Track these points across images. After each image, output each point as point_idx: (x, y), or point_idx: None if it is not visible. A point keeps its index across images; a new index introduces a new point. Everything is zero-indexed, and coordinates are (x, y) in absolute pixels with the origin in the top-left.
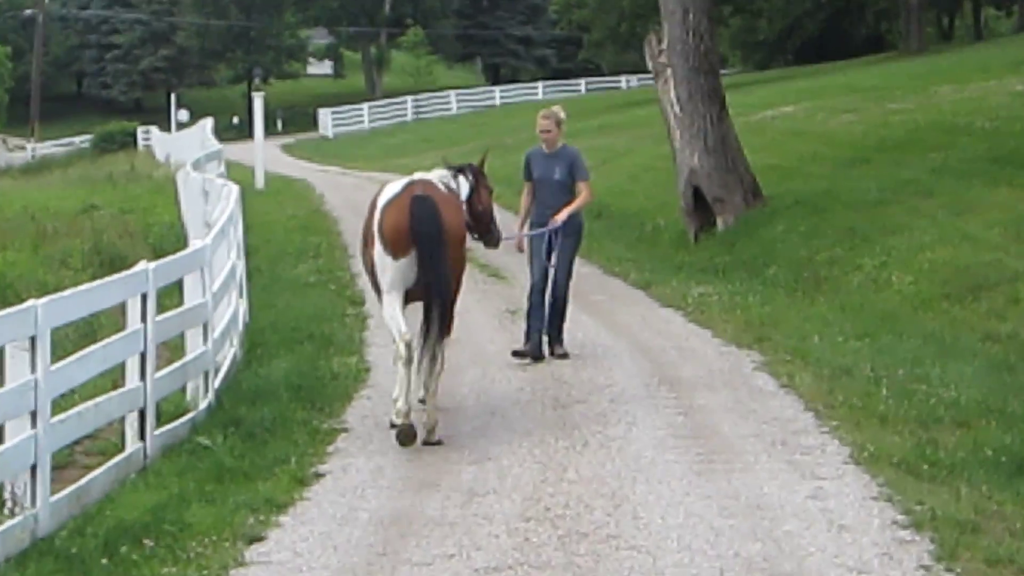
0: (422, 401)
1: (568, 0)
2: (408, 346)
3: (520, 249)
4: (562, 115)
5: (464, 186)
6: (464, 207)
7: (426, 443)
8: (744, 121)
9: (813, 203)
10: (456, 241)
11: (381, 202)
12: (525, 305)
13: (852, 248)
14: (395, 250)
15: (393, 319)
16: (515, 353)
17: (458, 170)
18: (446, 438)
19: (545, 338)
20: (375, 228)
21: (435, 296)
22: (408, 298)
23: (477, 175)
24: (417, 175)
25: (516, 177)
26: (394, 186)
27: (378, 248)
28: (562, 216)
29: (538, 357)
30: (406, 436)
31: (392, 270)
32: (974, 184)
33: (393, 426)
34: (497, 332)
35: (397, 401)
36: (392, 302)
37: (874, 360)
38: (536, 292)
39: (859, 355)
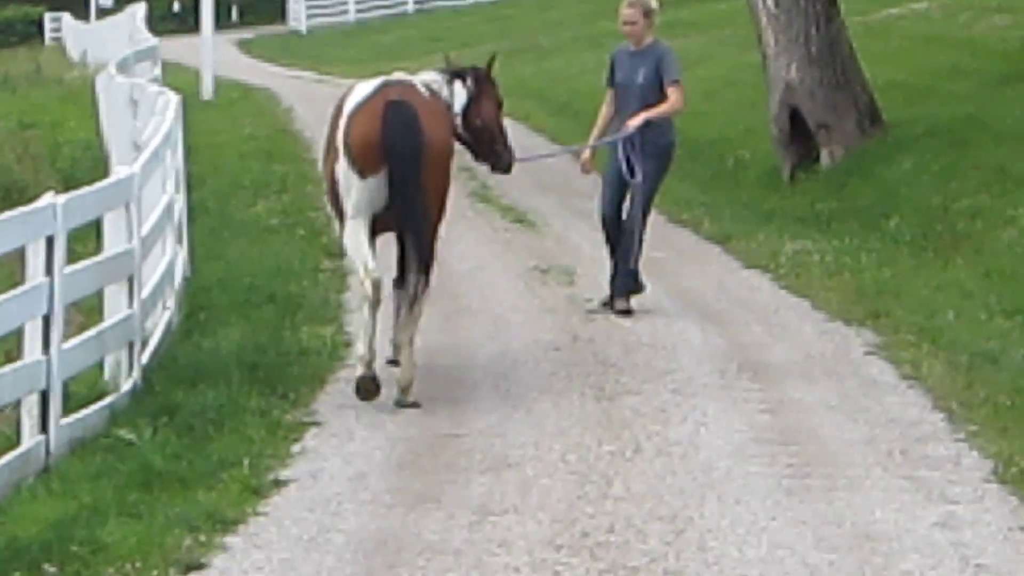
0: (393, 362)
1: None
2: (375, 285)
3: (585, 170)
4: (652, 2)
5: (460, 94)
6: (458, 119)
7: (399, 404)
8: (861, 22)
9: (951, 133)
10: (439, 159)
11: (348, 106)
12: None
13: (1003, 194)
14: (363, 166)
15: (357, 250)
16: (603, 304)
17: (454, 74)
18: (453, 437)
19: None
20: (340, 138)
21: (408, 225)
22: (376, 227)
23: (480, 81)
24: (396, 75)
25: (552, 91)
26: (365, 87)
27: (342, 162)
28: (636, 121)
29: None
30: (366, 389)
31: (358, 190)
32: None
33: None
34: (522, 297)
35: (358, 347)
36: (357, 229)
37: None
38: (605, 226)
39: (1008, 338)
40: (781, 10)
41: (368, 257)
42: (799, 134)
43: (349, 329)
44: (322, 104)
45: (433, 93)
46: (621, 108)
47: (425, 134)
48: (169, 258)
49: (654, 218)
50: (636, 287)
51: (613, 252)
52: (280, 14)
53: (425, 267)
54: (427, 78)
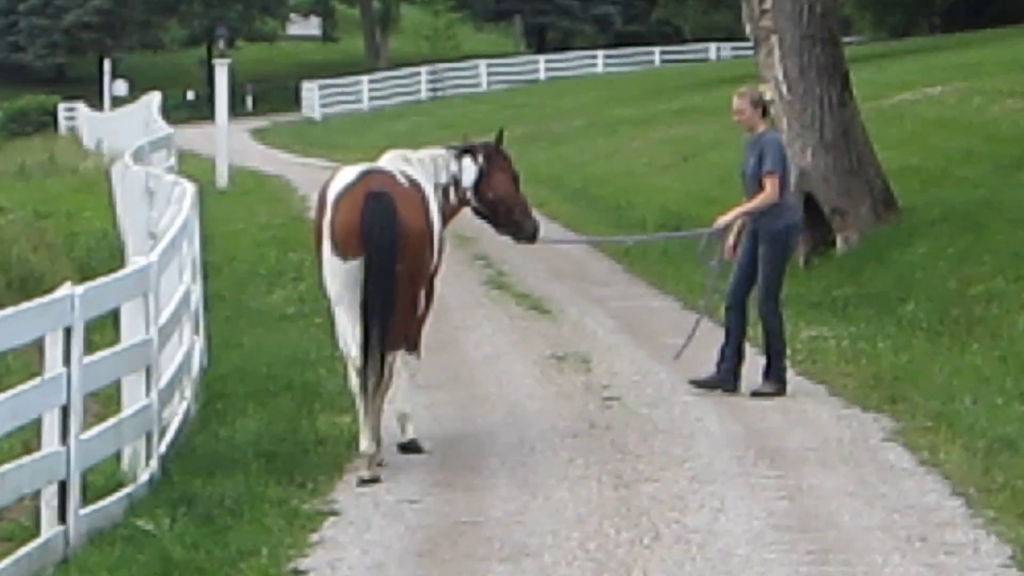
0: (403, 447)
1: None
2: (362, 374)
3: (728, 255)
4: (766, 95)
5: (470, 169)
6: (470, 194)
7: (404, 449)
8: (874, 107)
9: (966, 218)
10: (415, 247)
11: (331, 193)
12: None
13: (1018, 279)
14: (344, 251)
15: (343, 337)
16: (696, 383)
17: (464, 151)
18: (471, 525)
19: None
20: (325, 223)
21: (375, 312)
22: None
23: (491, 156)
24: (385, 157)
25: (566, 178)
26: (347, 174)
27: (326, 247)
28: (725, 218)
29: (729, 388)
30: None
31: (343, 274)
32: None
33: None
34: (539, 384)
35: (361, 442)
36: (341, 317)
37: None
38: (726, 309)
39: None
40: (795, 96)
41: (352, 347)
42: (814, 220)
43: None
44: None
45: (412, 181)
46: (744, 196)
47: (401, 224)
48: (186, 348)
49: (668, 304)
50: (780, 383)
51: (727, 336)
52: (294, 102)
53: (412, 344)
54: (433, 154)
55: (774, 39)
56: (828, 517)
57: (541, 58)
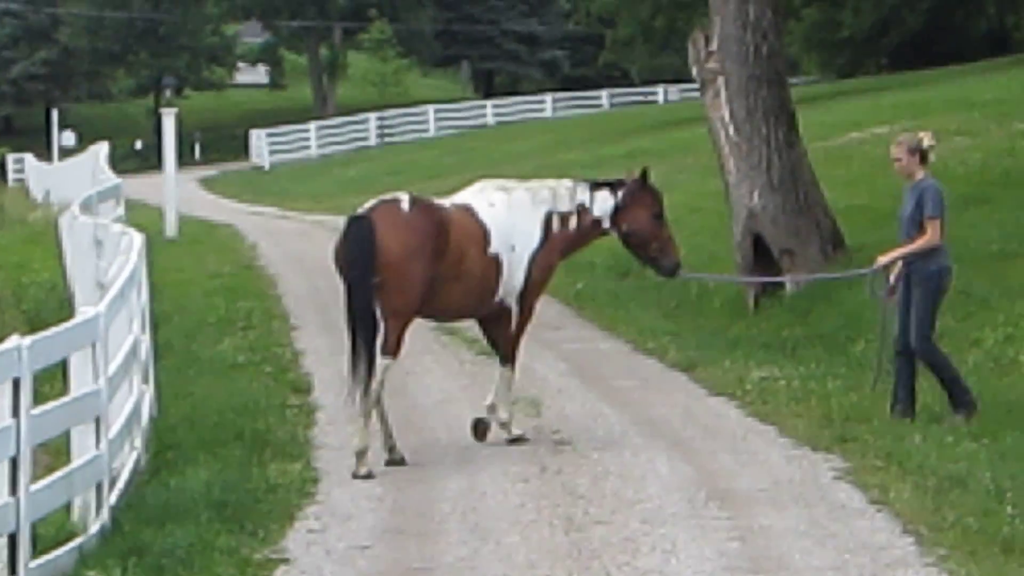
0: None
1: None
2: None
3: (890, 295)
4: (924, 142)
5: (604, 200)
6: (606, 223)
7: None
8: (822, 147)
9: None
10: (393, 267)
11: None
12: None
13: (967, 317)
14: (337, 270)
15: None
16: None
17: (603, 184)
18: (423, 571)
19: None
20: None
21: (360, 324)
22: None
23: (633, 192)
24: (476, 185)
25: None
26: (373, 200)
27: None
28: (883, 259)
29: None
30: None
31: (343, 291)
32: None
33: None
34: (489, 429)
35: (354, 441)
36: (349, 337)
37: (995, 467)
38: (896, 354)
39: (976, 460)
40: (742, 137)
41: (346, 367)
42: (763, 261)
43: (317, 465)
44: (286, 240)
45: (462, 207)
46: (899, 239)
47: (378, 246)
48: (136, 398)
49: (619, 347)
50: (966, 407)
51: (898, 379)
52: (243, 150)
53: (506, 357)
54: (553, 183)
55: (721, 81)
56: (779, 558)
57: (489, 103)
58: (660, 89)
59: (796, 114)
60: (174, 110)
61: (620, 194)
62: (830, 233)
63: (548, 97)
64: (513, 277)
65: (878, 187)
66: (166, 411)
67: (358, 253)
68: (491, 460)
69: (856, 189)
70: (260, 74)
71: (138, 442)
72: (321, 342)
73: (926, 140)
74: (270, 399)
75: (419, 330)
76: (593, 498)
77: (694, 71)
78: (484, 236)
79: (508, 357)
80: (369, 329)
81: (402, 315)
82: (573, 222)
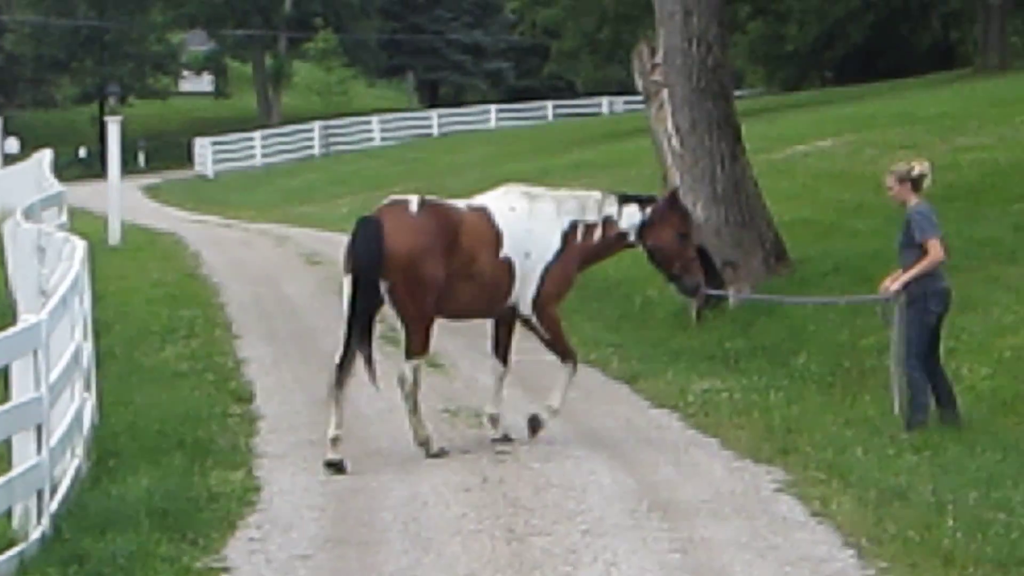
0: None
1: None
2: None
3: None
4: (915, 170)
5: (631, 215)
6: (632, 236)
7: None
8: (766, 160)
9: (857, 270)
10: (399, 267)
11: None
12: None
13: None
14: (344, 266)
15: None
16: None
17: (632, 198)
18: None
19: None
20: None
21: (357, 319)
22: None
23: (661, 210)
24: (501, 188)
25: None
26: (387, 199)
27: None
28: (893, 284)
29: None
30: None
31: (343, 284)
32: None
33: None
34: (432, 439)
35: (329, 429)
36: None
37: (937, 480)
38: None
39: (916, 473)
40: (686, 149)
41: (336, 357)
42: (707, 273)
43: (259, 474)
44: (229, 248)
45: (477, 209)
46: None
47: (388, 247)
48: (77, 405)
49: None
50: (917, 420)
51: (914, 387)
52: (187, 159)
53: (563, 355)
54: (583, 194)
55: (665, 93)
56: (720, 569)
57: (434, 113)
58: (605, 101)
59: (740, 127)
60: (118, 118)
61: (648, 210)
62: (773, 245)
63: (493, 108)
64: (526, 284)
65: (821, 200)
66: (108, 419)
67: (366, 254)
68: (433, 470)
69: (799, 202)
70: (205, 82)
71: (79, 450)
72: (263, 351)
73: (917, 168)
74: (212, 407)
75: None
76: (535, 509)
77: (639, 83)
78: (496, 239)
79: (564, 356)
80: (365, 329)
81: (420, 316)
82: (598, 233)
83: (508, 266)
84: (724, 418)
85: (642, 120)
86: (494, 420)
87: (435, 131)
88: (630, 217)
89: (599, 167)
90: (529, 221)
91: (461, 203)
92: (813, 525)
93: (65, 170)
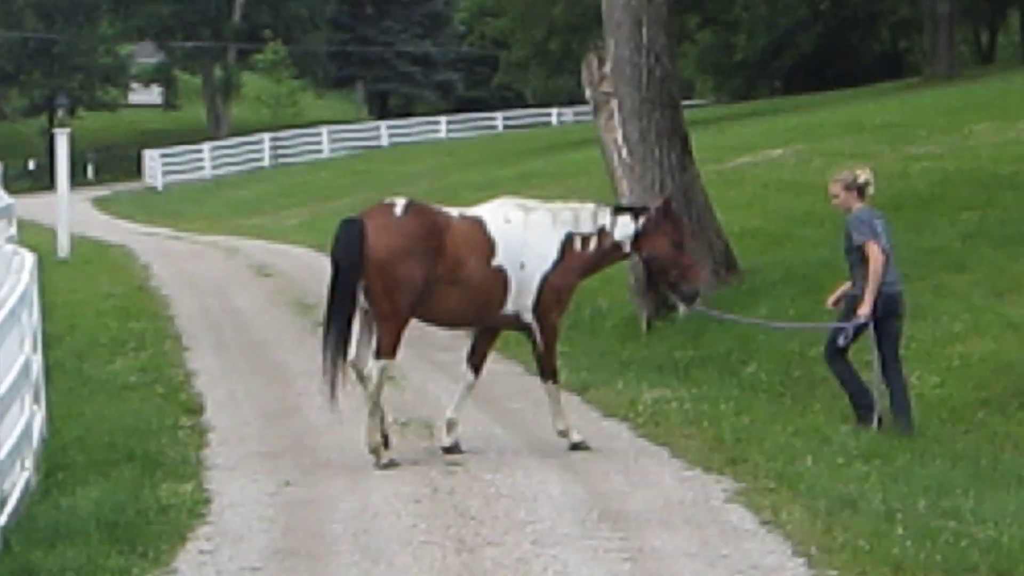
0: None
1: (480, 7)
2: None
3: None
4: (860, 178)
5: (625, 225)
6: (627, 247)
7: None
8: (715, 170)
9: (807, 279)
10: (379, 266)
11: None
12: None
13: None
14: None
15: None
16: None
17: (626, 209)
18: None
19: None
20: None
21: (332, 321)
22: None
23: (655, 220)
24: (496, 201)
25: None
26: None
27: None
28: (864, 311)
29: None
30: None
31: (328, 291)
32: (1020, 254)
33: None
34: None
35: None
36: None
37: (886, 488)
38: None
39: (866, 482)
40: (636, 160)
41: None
42: (656, 283)
43: (209, 486)
44: (179, 260)
45: (469, 218)
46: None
47: (368, 246)
48: (27, 418)
49: (511, 369)
50: (862, 415)
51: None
52: (136, 171)
53: (547, 373)
54: (577, 206)
55: (614, 103)
56: None
57: (383, 124)
58: (554, 111)
59: (689, 137)
60: (67, 130)
61: (642, 220)
62: (723, 255)
63: (442, 119)
64: (523, 294)
65: (770, 210)
66: (57, 432)
67: (346, 255)
68: (383, 481)
69: (749, 212)
70: (154, 94)
71: (29, 462)
72: (213, 363)
73: (862, 176)
74: (162, 420)
75: (312, 352)
76: (485, 519)
77: (588, 93)
78: (488, 248)
79: (546, 373)
80: (342, 330)
81: (393, 317)
82: (593, 244)
83: (502, 276)
84: (674, 428)
85: (591, 130)
86: (451, 425)
87: (385, 142)
88: (624, 227)
89: (549, 177)
90: (525, 232)
91: (454, 211)
92: (763, 534)
93: (14, 182)
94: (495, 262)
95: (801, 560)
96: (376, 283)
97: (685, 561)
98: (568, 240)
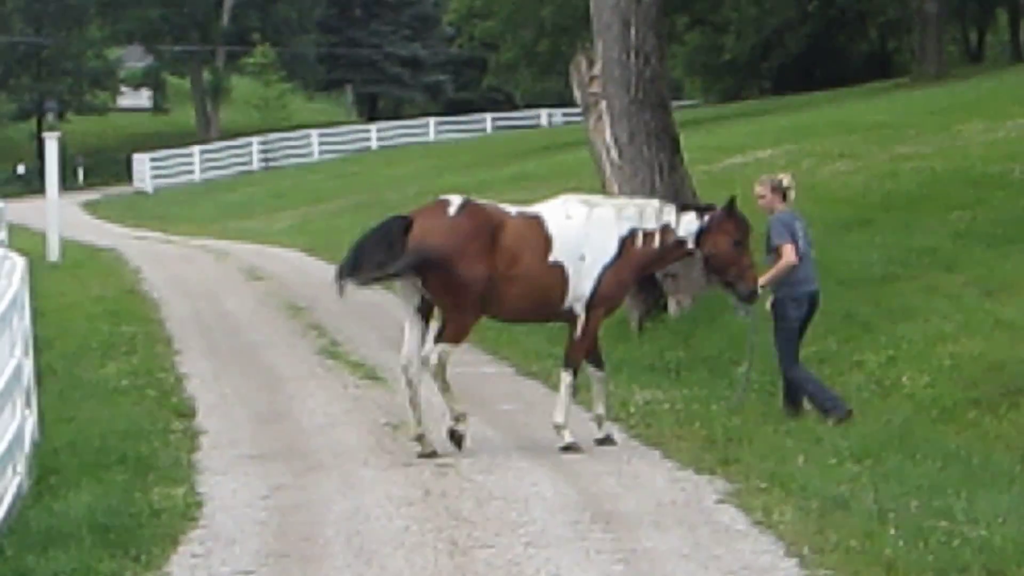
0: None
1: (469, 8)
2: (404, 370)
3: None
4: (784, 182)
5: (689, 223)
6: (691, 243)
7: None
8: (705, 170)
9: None
10: (435, 264)
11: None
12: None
13: (849, 339)
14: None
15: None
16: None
17: (691, 207)
18: None
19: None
20: None
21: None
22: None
23: (719, 218)
24: (561, 197)
25: None
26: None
27: None
28: (762, 280)
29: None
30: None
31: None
32: (1010, 253)
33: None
34: (373, 453)
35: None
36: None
37: (878, 489)
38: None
39: (858, 482)
40: (625, 161)
41: (403, 345)
42: (646, 284)
43: (201, 489)
44: (169, 264)
45: (528, 216)
46: None
47: (415, 242)
48: (18, 422)
49: (503, 370)
50: (829, 408)
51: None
52: (126, 175)
53: (439, 334)
54: (643, 202)
55: (603, 105)
56: None
57: (373, 127)
58: (543, 113)
59: (679, 138)
60: (57, 134)
61: (706, 218)
62: None
63: (431, 121)
64: (580, 285)
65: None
66: (49, 436)
67: (379, 237)
68: (375, 484)
69: None
70: (143, 98)
71: (21, 467)
72: (205, 366)
73: (785, 180)
74: (154, 423)
75: (302, 354)
76: (477, 521)
77: (577, 95)
78: (545, 244)
79: (568, 362)
80: (416, 321)
81: (458, 310)
82: (656, 240)
83: (559, 271)
84: (666, 428)
85: (581, 132)
86: (599, 420)
87: (374, 144)
88: (688, 224)
89: (538, 179)
90: (586, 226)
91: (512, 208)
92: (755, 535)
93: (4, 187)
94: (552, 258)
95: (793, 560)
96: (435, 280)
97: (677, 562)
98: (630, 235)
